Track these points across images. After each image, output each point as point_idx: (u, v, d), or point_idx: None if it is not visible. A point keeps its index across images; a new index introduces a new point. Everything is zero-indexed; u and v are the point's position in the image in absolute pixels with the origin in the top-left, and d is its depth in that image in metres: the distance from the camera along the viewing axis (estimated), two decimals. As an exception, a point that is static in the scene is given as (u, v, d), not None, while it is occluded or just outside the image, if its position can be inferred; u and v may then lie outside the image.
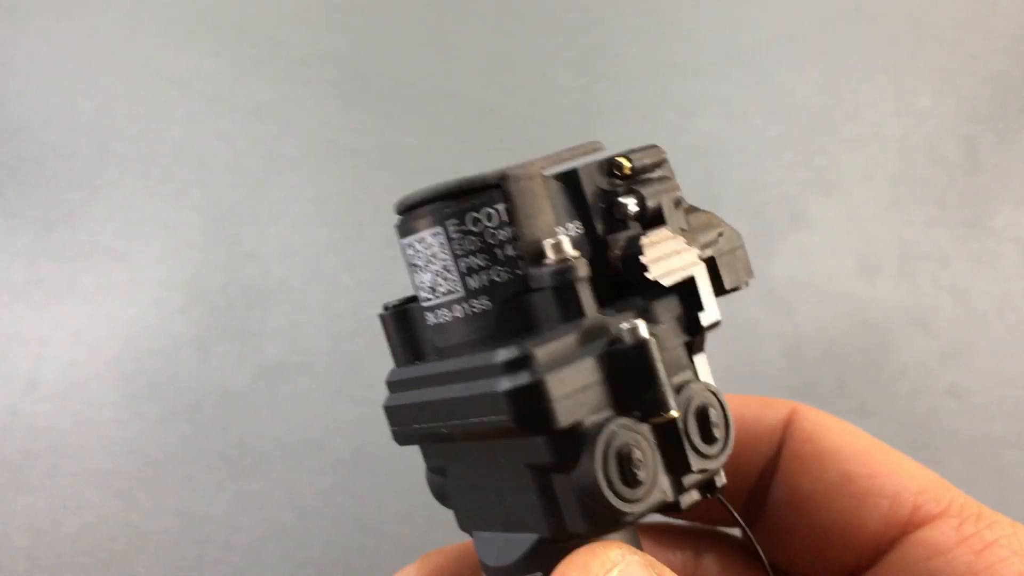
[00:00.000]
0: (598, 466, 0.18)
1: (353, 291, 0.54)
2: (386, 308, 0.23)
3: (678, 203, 0.23)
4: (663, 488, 0.20)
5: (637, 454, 0.19)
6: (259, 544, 0.50)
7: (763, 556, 0.25)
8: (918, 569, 0.22)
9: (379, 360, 0.53)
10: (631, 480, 0.19)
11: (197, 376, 0.53)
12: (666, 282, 0.21)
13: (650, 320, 0.20)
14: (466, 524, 0.22)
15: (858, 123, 0.58)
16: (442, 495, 0.23)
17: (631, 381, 0.19)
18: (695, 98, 0.58)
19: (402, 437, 0.22)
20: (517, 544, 0.20)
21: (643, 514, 0.19)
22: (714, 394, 0.21)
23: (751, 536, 0.25)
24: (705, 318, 0.21)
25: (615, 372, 0.19)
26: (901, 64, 0.59)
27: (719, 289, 0.22)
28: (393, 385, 0.23)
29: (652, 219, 0.22)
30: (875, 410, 0.53)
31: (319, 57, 0.58)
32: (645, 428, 0.19)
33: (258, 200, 0.56)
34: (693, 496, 0.21)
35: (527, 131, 0.57)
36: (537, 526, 0.20)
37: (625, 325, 0.19)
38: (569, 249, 0.20)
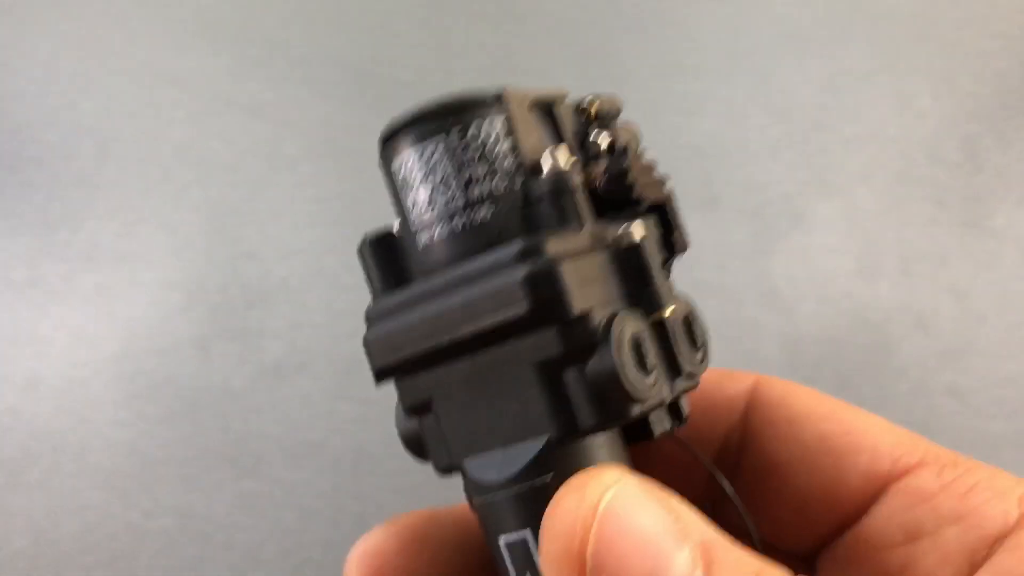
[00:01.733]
0: (615, 351, 0.19)
1: (353, 291, 0.54)
2: (365, 240, 0.23)
3: (638, 144, 0.24)
4: (663, 385, 0.20)
5: (646, 343, 0.20)
6: (259, 544, 0.50)
7: (740, 505, 0.25)
8: (903, 518, 0.22)
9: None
10: (645, 366, 0.20)
11: (197, 376, 0.53)
12: (650, 197, 0.22)
13: None
14: (456, 454, 0.21)
15: (858, 123, 0.58)
16: (416, 441, 0.22)
17: (629, 281, 0.21)
18: (695, 98, 0.58)
19: (384, 369, 0.22)
20: (521, 453, 0.20)
21: (651, 408, 0.20)
22: (692, 307, 0.22)
23: (723, 481, 0.25)
24: (679, 237, 0.23)
25: (614, 271, 0.20)
26: (901, 64, 0.59)
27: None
28: (376, 317, 0.22)
29: (620, 155, 0.23)
30: (875, 410, 0.53)
31: (319, 57, 0.58)
32: (647, 323, 0.20)
33: (258, 200, 0.56)
34: (664, 424, 0.21)
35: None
36: (545, 427, 0.20)
37: (622, 228, 0.21)
38: (564, 160, 0.21)
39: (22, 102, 0.56)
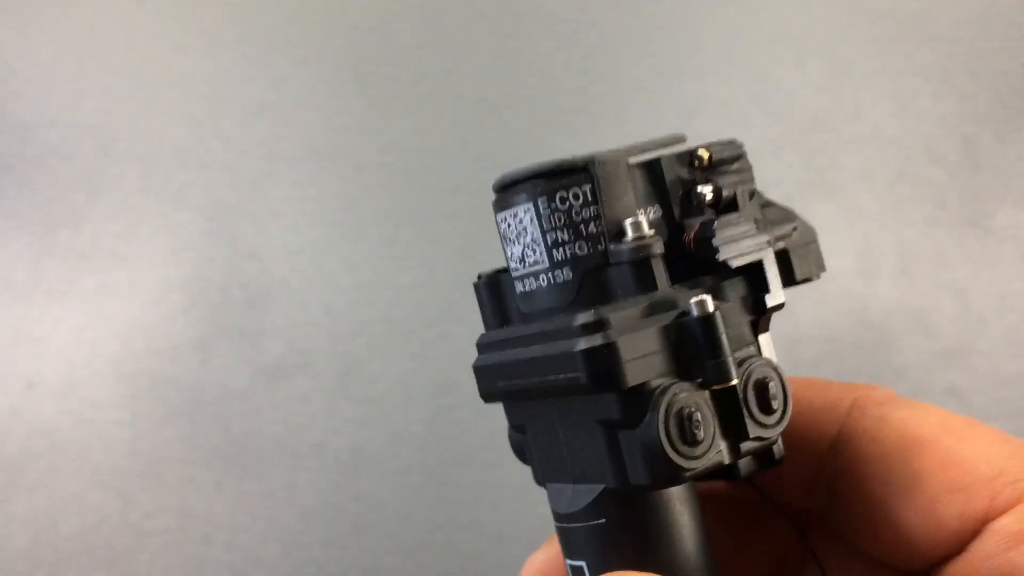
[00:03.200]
0: (660, 424, 0.20)
1: (353, 291, 0.54)
2: (480, 277, 0.26)
3: (752, 194, 0.24)
4: (720, 449, 0.21)
5: (696, 416, 0.21)
6: (259, 544, 0.50)
7: (813, 552, 0.26)
8: (998, 561, 0.22)
9: (379, 360, 0.53)
10: (690, 439, 0.21)
11: (197, 376, 0.53)
12: (734, 264, 0.22)
13: (718, 297, 0.22)
14: (541, 477, 0.24)
15: (858, 123, 0.58)
16: (521, 452, 0.25)
17: (696, 351, 0.21)
18: (695, 98, 0.58)
19: (488, 395, 0.24)
20: (585, 494, 0.22)
21: (702, 471, 0.21)
22: (774, 369, 0.22)
23: (799, 529, 0.26)
24: (770, 299, 0.23)
25: (681, 342, 0.21)
26: (901, 64, 0.59)
27: (789, 280, 0.25)
28: (482, 347, 0.25)
29: (727, 207, 0.23)
30: (875, 410, 0.53)
31: (319, 57, 0.58)
32: (705, 394, 0.21)
33: (258, 200, 0.56)
34: (751, 465, 0.23)
35: (527, 131, 0.57)
36: (604, 478, 0.22)
37: (693, 299, 0.21)
38: (646, 228, 0.22)
39: (22, 102, 0.56)
